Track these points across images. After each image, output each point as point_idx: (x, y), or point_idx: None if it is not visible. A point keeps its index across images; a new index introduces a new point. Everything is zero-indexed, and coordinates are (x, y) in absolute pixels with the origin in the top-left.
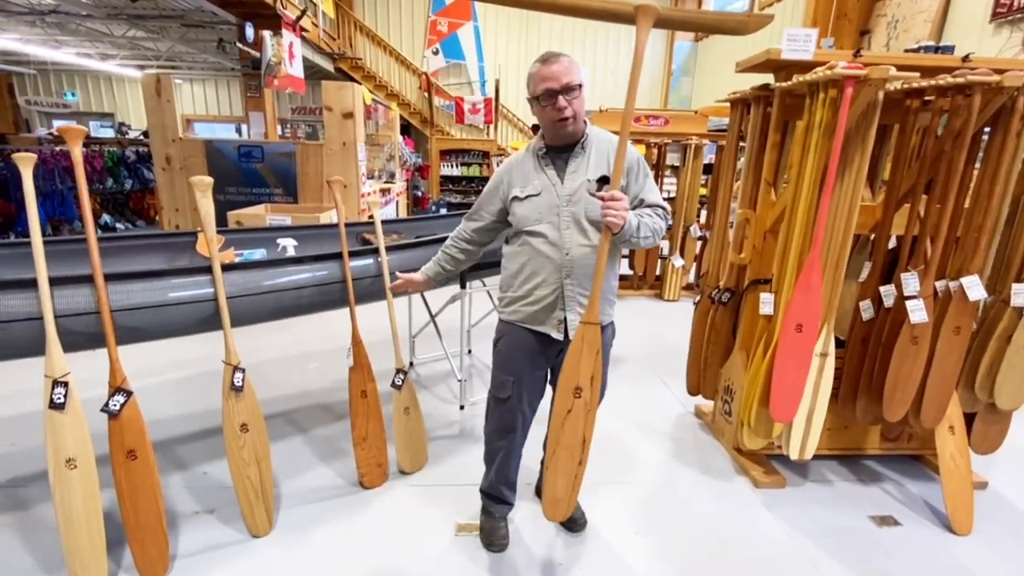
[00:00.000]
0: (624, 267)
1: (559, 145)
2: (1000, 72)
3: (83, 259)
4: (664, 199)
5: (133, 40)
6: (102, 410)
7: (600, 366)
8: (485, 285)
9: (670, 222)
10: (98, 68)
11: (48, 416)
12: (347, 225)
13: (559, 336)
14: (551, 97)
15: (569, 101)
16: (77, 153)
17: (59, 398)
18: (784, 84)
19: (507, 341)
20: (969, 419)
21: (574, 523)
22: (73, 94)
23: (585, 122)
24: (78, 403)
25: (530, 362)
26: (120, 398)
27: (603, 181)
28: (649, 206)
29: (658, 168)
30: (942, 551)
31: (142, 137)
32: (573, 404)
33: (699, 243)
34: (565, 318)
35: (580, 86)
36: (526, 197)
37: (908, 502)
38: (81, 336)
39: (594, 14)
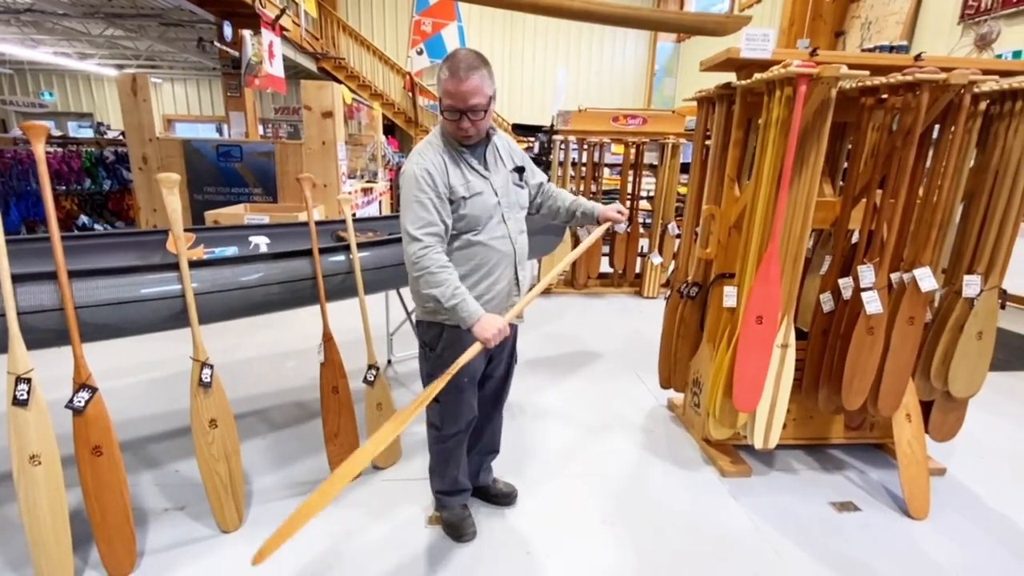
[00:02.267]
0: (604, 265)
1: (471, 144)
2: (948, 70)
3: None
4: (643, 198)
5: (111, 39)
6: (67, 406)
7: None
8: None
9: None
10: (76, 67)
11: (11, 413)
12: (323, 223)
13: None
14: (455, 114)
15: (473, 122)
16: (40, 150)
17: (22, 394)
18: (744, 82)
19: (457, 348)
20: (927, 408)
21: (507, 497)
22: (50, 94)
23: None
24: (42, 400)
25: (481, 361)
26: (85, 394)
27: (520, 171)
28: (546, 185)
29: (637, 167)
30: (898, 535)
31: (121, 137)
32: None
33: (677, 241)
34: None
35: (487, 107)
36: (472, 196)
37: (868, 488)
38: (46, 333)
39: (574, 15)
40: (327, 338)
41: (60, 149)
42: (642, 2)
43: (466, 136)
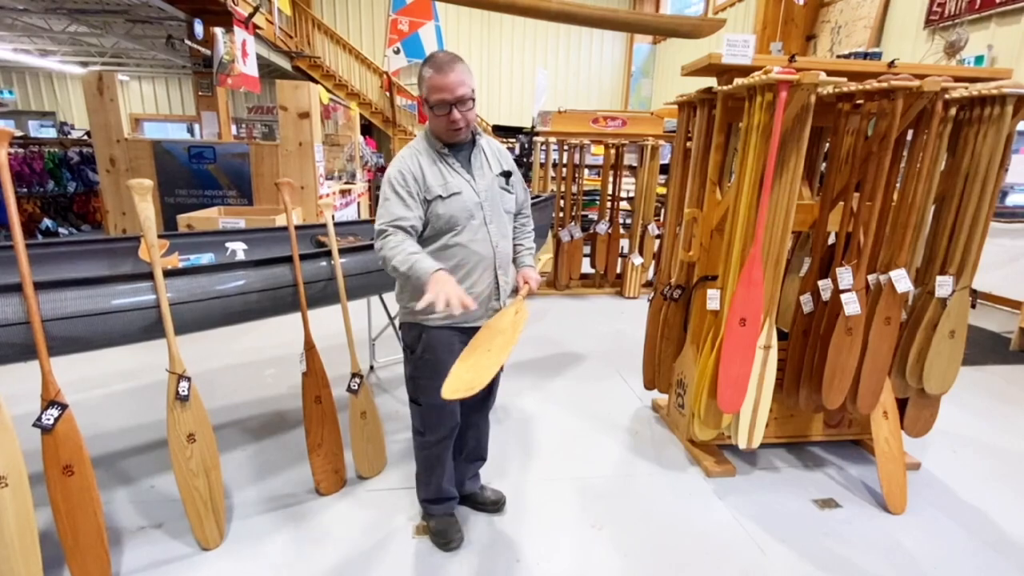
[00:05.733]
0: (586, 266)
1: (456, 144)
2: (921, 77)
3: (15, 266)
4: (623, 199)
5: (75, 36)
6: (35, 425)
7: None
8: None
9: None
10: (37, 65)
11: None
12: (302, 227)
13: None
14: (444, 107)
15: (463, 113)
16: (2, 155)
17: None
18: (725, 88)
19: (436, 350)
20: (902, 404)
21: (495, 504)
22: (10, 92)
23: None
24: (7, 418)
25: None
26: (54, 412)
27: (506, 175)
28: (524, 214)
29: (617, 168)
30: (878, 530)
31: (86, 137)
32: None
33: (657, 241)
34: (500, 308)
35: (473, 98)
36: (449, 196)
37: (848, 484)
38: (12, 348)
39: (552, 16)
40: (309, 347)
41: (21, 150)
42: (619, 4)
43: (457, 129)
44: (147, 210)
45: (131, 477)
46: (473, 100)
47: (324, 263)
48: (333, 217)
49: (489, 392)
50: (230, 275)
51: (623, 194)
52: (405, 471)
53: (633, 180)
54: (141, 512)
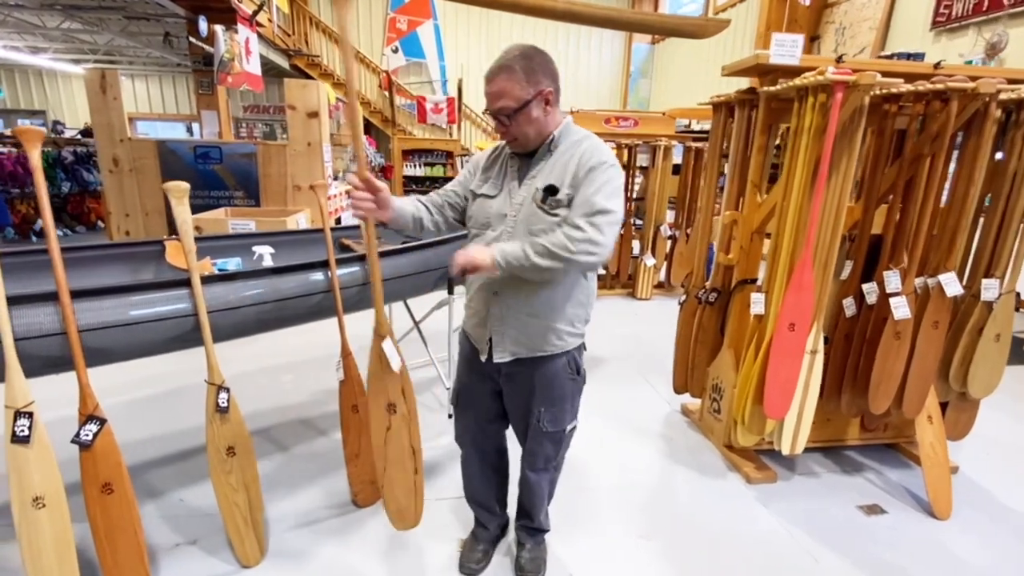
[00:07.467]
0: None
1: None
2: (974, 79)
3: (33, 274)
4: (636, 199)
5: (68, 32)
6: (73, 441)
7: (407, 381)
8: None
9: (599, 240)
10: (28, 62)
11: (10, 451)
12: (327, 229)
13: (483, 357)
14: (493, 116)
15: (507, 125)
16: (36, 157)
17: (23, 431)
18: (771, 88)
19: (460, 348)
20: (941, 407)
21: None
22: None
23: (565, 120)
24: (44, 435)
25: (468, 372)
26: (93, 427)
27: (549, 191)
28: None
29: (629, 169)
30: (927, 536)
31: (80, 136)
32: (391, 421)
33: (669, 242)
34: (490, 339)
35: (514, 111)
36: (480, 195)
37: (890, 489)
38: (43, 360)
39: (558, 15)
40: (346, 354)
41: (15, 150)
42: (618, 3)
43: (511, 140)
44: (184, 213)
45: (159, 490)
46: (510, 115)
47: (357, 267)
48: (339, 219)
49: (524, 445)
50: (265, 281)
51: (633, 194)
52: (439, 481)
53: (643, 180)
54: (174, 528)
